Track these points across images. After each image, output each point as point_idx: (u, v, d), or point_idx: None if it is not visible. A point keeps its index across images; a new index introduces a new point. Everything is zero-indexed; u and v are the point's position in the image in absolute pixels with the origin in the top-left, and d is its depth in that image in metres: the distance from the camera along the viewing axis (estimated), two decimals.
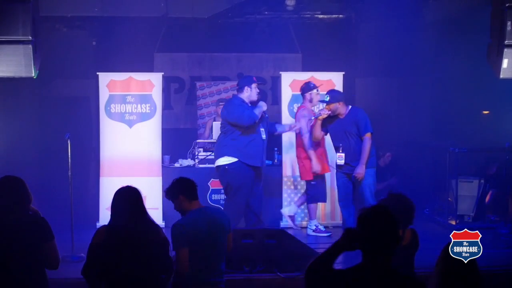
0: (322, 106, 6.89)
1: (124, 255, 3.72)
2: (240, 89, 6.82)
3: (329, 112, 6.62)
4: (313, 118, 6.77)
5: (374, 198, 6.52)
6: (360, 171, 6.46)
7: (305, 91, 7.17)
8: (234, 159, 6.62)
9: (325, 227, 7.32)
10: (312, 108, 7.22)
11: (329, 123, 6.74)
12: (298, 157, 7.26)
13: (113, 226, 3.83)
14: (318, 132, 6.76)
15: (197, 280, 4.13)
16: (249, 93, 6.73)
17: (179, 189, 4.24)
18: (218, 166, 6.75)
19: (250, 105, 6.72)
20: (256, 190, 6.81)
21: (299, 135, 7.17)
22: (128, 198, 3.86)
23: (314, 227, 7.17)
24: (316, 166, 7.01)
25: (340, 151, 6.60)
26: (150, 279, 3.77)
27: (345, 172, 6.69)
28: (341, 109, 6.64)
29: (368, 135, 6.50)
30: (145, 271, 3.74)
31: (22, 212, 3.83)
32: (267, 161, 7.58)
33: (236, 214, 6.59)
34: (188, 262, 4.07)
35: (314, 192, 7.19)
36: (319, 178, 7.17)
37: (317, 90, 7.16)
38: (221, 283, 4.28)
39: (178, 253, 4.08)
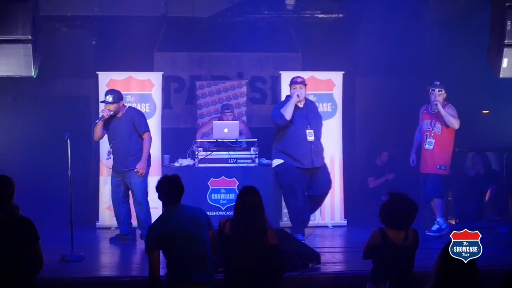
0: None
1: (239, 251, 4.03)
2: None
3: (111, 112, 6.76)
4: (97, 121, 6.85)
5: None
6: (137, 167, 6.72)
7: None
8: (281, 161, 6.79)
9: (325, 226, 7.29)
10: None
11: (111, 123, 6.89)
12: None
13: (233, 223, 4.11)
14: (98, 132, 6.88)
15: (182, 279, 4.07)
16: None
17: (159, 196, 4.27)
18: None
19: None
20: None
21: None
22: (247, 199, 4.11)
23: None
24: None
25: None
26: (263, 278, 4.02)
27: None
28: (121, 108, 6.82)
29: (145, 134, 6.77)
30: (258, 270, 4.01)
31: (8, 212, 3.71)
32: (267, 161, 7.59)
33: (292, 215, 6.79)
34: (159, 265, 4.07)
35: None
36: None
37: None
38: (211, 283, 4.18)
39: (148, 256, 4.10)
